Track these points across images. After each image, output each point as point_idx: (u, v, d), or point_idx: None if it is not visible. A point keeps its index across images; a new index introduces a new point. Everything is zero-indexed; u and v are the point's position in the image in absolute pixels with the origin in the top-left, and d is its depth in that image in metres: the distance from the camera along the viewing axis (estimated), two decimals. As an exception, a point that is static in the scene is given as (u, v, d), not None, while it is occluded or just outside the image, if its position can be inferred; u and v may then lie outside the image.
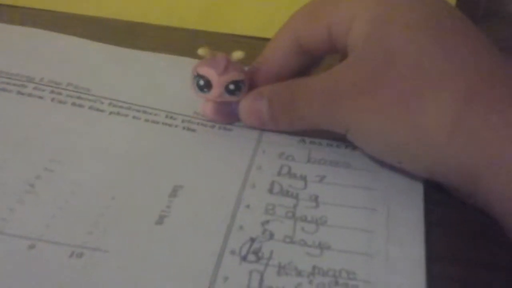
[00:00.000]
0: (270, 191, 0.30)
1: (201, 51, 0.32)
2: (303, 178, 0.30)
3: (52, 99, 0.35)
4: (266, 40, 0.34)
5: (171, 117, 0.35)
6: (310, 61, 0.34)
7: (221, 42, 0.41)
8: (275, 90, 0.32)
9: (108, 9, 0.44)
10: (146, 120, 0.34)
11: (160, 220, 0.28)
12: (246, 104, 0.33)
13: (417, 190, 0.30)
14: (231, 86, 0.32)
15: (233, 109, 0.33)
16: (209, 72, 0.32)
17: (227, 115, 0.34)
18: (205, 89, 0.32)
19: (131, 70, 0.38)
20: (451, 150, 0.27)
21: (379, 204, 0.29)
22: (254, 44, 0.37)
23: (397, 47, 0.28)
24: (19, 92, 0.35)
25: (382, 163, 0.31)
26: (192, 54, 0.33)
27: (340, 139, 0.32)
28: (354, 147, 0.32)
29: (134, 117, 0.34)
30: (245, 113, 0.33)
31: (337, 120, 0.30)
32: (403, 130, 0.28)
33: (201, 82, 0.32)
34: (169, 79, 0.38)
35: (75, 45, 0.40)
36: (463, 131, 0.27)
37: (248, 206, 0.29)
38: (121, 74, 0.38)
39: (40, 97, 0.35)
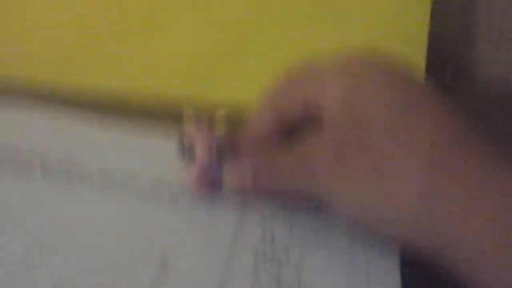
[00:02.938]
0: (255, 258, 0.31)
1: (186, 111, 0.33)
2: (285, 247, 0.31)
3: (43, 175, 0.36)
4: (249, 104, 0.35)
5: (157, 188, 0.35)
6: (291, 127, 0.35)
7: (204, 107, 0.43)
8: (257, 162, 0.33)
9: (95, 78, 0.45)
10: (135, 191, 0.35)
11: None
12: (232, 170, 0.34)
13: (394, 260, 0.31)
14: (214, 151, 0.33)
15: (216, 176, 0.33)
16: (192, 137, 0.33)
17: (210, 183, 0.34)
18: (186, 155, 0.33)
19: (118, 144, 0.39)
20: (418, 217, 0.28)
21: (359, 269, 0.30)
22: (237, 109, 0.38)
23: (368, 118, 0.30)
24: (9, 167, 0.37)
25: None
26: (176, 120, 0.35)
27: (319, 207, 0.33)
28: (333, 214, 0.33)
29: (123, 188, 0.35)
30: (230, 178, 0.34)
31: (314, 187, 0.31)
32: (376, 196, 0.29)
33: (183, 145, 0.33)
34: (155, 151, 0.38)
35: (61, 118, 0.41)
36: (429, 201, 0.28)
37: (234, 275, 0.30)
38: (108, 148, 0.39)
39: (31, 171, 0.36)
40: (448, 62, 0.44)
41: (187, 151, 0.33)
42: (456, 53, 0.45)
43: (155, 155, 0.38)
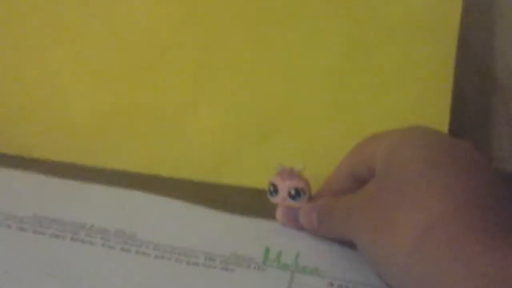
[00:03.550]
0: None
1: (275, 167, 0.40)
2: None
3: (103, 245, 0.39)
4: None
5: (210, 259, 0.38)
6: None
7: (229, 193, 0.46)
8: (323, 205, 0.38)
9: (131, 163, 0.49)
10: (188, 263, 0.38)
11: None
12: (303, 212, 0.39)
13: None
14: (292, 191, 0.39)
15: (296, 214, 0.40)
16: (277, 180, 0.39)
17: (293, 220, 0.40)
18: (274, 193, 0.40)
19: (172, 217, 0.42)
20: (410, 270, 0.30)
21: None
22: (258, 195, 0.42)
23: (398, 173, 0.33)
24: (72, 239, 0.39)
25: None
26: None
27: (366, 283, 0.36)
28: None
29: (176, 260, 0.38)
30: (302, 219, 0.40)
31: (348, 232, 0.35)
32: (377, 246, 0.32)
33: (271, 188, 0.40)
34: (206, 224, 0.41)
35: (118, 195, 0.44)
36: (419, 256, 0.30)
37: None
38: (163, 220, 0.42)
39: (92, 243, 0.39)
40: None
41: (273, 192, 0.40)
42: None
43: (208, 232, 0.40)
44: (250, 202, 0.43)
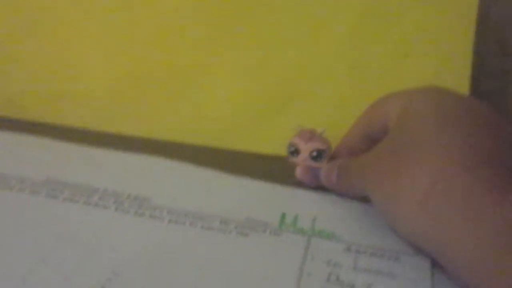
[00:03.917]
0: (321, 298, 0.32)
1: (295, 128, 0.40)
2: (351, 286, 0.33)
3: (116, 209, 0.38)
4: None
5: (225, 223, 0.37)
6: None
7: (241, 160, 0.45)
8: (342, 163, 0.39)
9: (145, 129, 0.48)
10: (202, 227, 0.37)
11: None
12: (325, 171, 0.40)
13: None
14: (314, 153, 0.40)
15: (317, 174, 0.40)
16: (297, 141, 0.40)
17: (313, 179, 0.41)
18: (295, 154, 0.40)
19: (187, 181, 0.41)
20: (419, 221, 0.31)
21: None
22: (275, 162, 0.42)
23: (412, 128, 0.33)
24: (85, 202, 0.39)
25: (425, 274, 0.33)
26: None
27: (383, 248, 0.35)
28: (397, 258, 0.35)
29: (191, 224, 0.37)
30: (323, 178, 0.40)
31: (362, 189, 0.36)
32: (389, 194, 0.33)
33: (291, 149, 0.40)
34: (221, 189, 0.41)
35: (132, 160, 0.44)
36: (429, 209, 0.30)
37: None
38: (177, 185, 0.41)
39: (105, 207, 0.38)
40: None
41: (294, 153, 0.40)
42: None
43: (223, 197, 0.40)
44: (266, 168, 0.42)
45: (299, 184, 0.41)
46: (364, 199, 0.38)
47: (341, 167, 0.39)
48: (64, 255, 0.34)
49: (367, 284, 0.33)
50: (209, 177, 0.42)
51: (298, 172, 0.41)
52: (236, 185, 0.41)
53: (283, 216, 0.38)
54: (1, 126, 0.47)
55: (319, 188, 0.41)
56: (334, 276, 0.33)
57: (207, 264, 0.34)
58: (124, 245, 0.35)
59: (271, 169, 0.42)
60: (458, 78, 0.45)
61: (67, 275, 0.33)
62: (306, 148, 0.40)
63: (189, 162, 0.43)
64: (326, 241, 0.36)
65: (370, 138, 0.39)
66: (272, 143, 0.41)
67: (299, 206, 0.39)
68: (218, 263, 0.35)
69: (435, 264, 0.33)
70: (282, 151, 0.41)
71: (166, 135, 0.47)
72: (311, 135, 0.40)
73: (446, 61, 0.46)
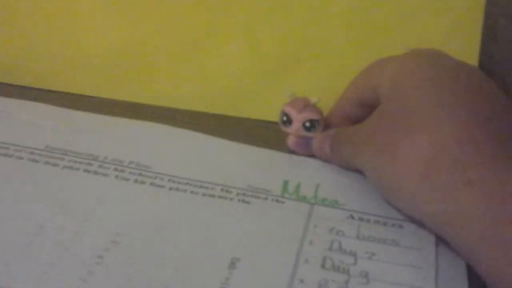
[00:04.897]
0: (323, 266, 0.32)
1: (287, 94, 0.39)
2: (353, 254, 0.32)
3: (116, 176, 0.38)
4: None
5: (226, 191, 0.37)
6: (371, 111, 0.36)
7: (247, 126, 0.44)
8: (335, 134, 0.38)
9: (147, 96, 0.47)
10: (204, 195, 0.37)
11: (220, 293, 0.30)
12: (317, 142, 0.39)
13: (462, 269, 0.31)
14: (307, 124, 0.39)
15: (310, 143, 0.39)
16: (290, 110, 0.39)
17: (305, 148, 0.40)
18: (287, 124, 0.39)
19: (188, 149, 0.41)
20: (420, 195, 0.30)
21: (428, 283, 0.31)
22: (277, 128, 0.41)
23: (406, 95, 0.32)
24: (85, 170, 0.38)
25: (428, 242, 0.33)
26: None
27: (387, 216, 0.35)
28: (400, 225, 0.34)
29: (192, 191, 0.37)
30: (316, 148, 0.39)
31: (356, 162, 0.35)
32: (387, 166, 0.32)
33: (284, 118, 0.39)
34: (223, 156, 0.40)
35: (132, 127, 0.43)
36: (430, 179, 0.29)
37: (302, 281, 0.31)
38: (178, 152, 0.40)
39: (105, 175, 0.38)
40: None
41: (286, 123, 0.39)
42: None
43: (224, 164, 0.39)
44: (269, 135, 0.42)
45: (293, 152, 0.40)
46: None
47: (334, 138, 0.38)
48: (63, 224, 0.34)
49: (370, 252, 0.32)
50: (211, 144, 0.41)
51: (290, 141, 0.40)
52: (237, 152, 0.40)
53: (286, 183, 0.37)
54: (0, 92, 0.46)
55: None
56: (337, 244, 0.33)
57: (208, 233, 0.34)
58: (124, 214, 0.35)
59: (273, 135, 0.41)
60: (467, 44, 0.44)
61: (65, 244, 0.32)
62: (299, 118, 0.39)
63: (190, 129, 0.42)
64: (329, 209, 0.35)
65: (362, 103, 0.38)
66: (275, 109, 0.40)
67: (302, 173, 0.38)
68: (219, 231, 0.34)
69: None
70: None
71: (167, 102, 0.47)
72: (305, 104, 0.39)
73: (455, 25, 0.45)
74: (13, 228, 0.33)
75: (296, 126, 0.39)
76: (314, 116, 0.39)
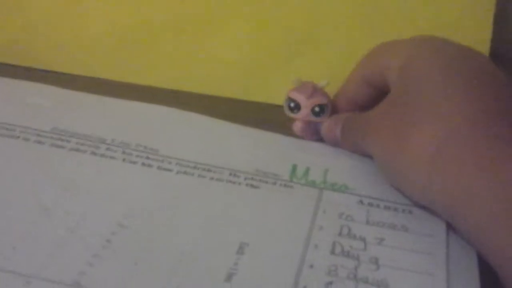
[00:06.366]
0: (332, 251, 0.31)
1: (293, 80, 0.39)
2: (363, 240, 0.32)
3: (124, 160, 0.37)
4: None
5: (234, 175, 0.36)
6: (378, 93, 0.37)
7: (255, 110, 0.44)
8: (346, 119, 0.38)
9: (154, 78, 0.47)
10: (211, 178, 0.36)
11: (228, 278, 0.30)
12: (327, 127, 0.39)
13: (473, 255, 0.31)
14: (316, 109, 0.38)
15: (318, 128, 0.39)
16: (298, 96, 0.38)
17: (313, 133, 0.39)
18: (295, 110, 0.38)
19: (196, 132, 0.40)
20: (430, 181, 0.30)
21: (439, 269, 0.30)
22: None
23: (416, 81, 0.32)
24: (92, 153, 0.38)
25: (439, 227, 0.32)
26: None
27: (397, 201, 0.34)
28: (410, 211, 0.34)
29: (199, 175, 0.36)
30: (325, 133, 0.39)
31: (366, 148, 0.35)
32: (396, 153, 0.31)
33: (292, 104, 0.38)
34: (231, 140, 0.40)
35: (140, 109, 0.42)
36: (439, 166, 0.29)
37: (311, 267, 0.30)
38: (186, 136, 0.40)
39: (112, 157, 0.37)
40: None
41: (295, 109, 0.38)
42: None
43: (233, 148, 0.39)
44: (277, 119, 0.41)
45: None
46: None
47: (345, 123, 0.38)
48: (69, 206, 0.33)
49: (379, 238, 0.32)
50: (219, 127, 0.41)
51: (298, 127, 0.39)
52: (245, 136, 0.40)
53: (294, 168, 0.37)
54: (6, 72, 0.46)
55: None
56: (346, 230, 0.33)
57: (216, 217, 0.33)
58: (131, 197, 0.35)
59: (281, 119, 0.40)
60: (479, 28, 0.44)
61: (71, 227, 0.32)
62: (308, 104, 0.38)
63: (197, 112, 0.42)
64: (338, 194, 0.35)
65: (368, 84, 0.37)
66: (283, 93, 0.40)
67: (311, 158, 0.38)
68: (227, 216, 0.34)
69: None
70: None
71: (175, 85, 0.46)
72: (312, 89, 0.38)
73: (467, 9, 0.44)
74: (19, 211, 0.33)
75: (305, 112, 0.38)
76: (323, 100, 0.38)
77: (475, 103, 0.30)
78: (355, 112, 0.38)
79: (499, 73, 0.32)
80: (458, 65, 0.32)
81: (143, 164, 0.37)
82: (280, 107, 0.40)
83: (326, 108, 0.38)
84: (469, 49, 0.33)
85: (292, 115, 0.39)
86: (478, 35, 0.44)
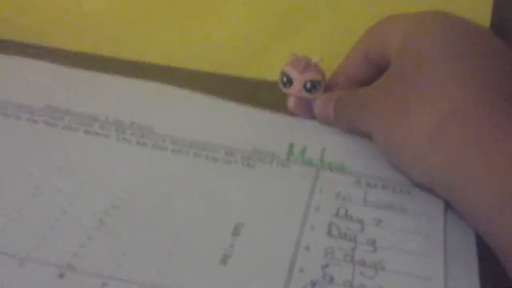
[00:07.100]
0: (329, 233, 0.31)
1: (288, 55, 0.38)
2: (360, 221, 0.31)
3: (117, 138, 0.37)
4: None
5: (230, 154, 0.36)
6: (377, 71, 0.36)
7: (253, 87, 0.43)
8: (339, 97, 0.37)
9: (149, 54, 0.46)
10: (207, 158, 0.36)
11: (224, 260, 0.29)
12: (320, 104, 0.38)
13: (471, 236, 0.31)
14: (308, 85, 0.37)
15: (310, 105, 0.38)
16: (291, 71, 0.37)
17: (306, 110, 0.38)
18: (287, 85, 0.38)
19: (191, 110, 0.40)
20: (430, 158, 0.29)
21: (436, 251, 0.30)
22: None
23: (417, 57, 0.31)
24: (86, 131, 0.37)
25: (437, 208, 0.32)
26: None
27: (395, 180, 0.34)
28: (409, 191, 0.33)
29: (195, 154, 0.36)
30: (318, 111, 0.38)
31: (363, 125, 0.34)
32: (396, 132, 0.31)
33: (284, 79, 0.38)
34: (227, 118, 0.39)
35: (134, 86, 0.41)
36: (440, 142, 0.29)
37: (307, 248, 0.30)
38: (181, 113, 0.39)
39: (106, 136, 0.37)
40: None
41: (287, 84, 0.38)
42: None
43: (229, 126, 0.38)
44: (275, 97, 0.40)
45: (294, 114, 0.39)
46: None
47: (338, 102, 0.37)
48: (61, 186, 0.33)
49: (377, 219, 0.32)
50: (214, 105, 0.40)
51: (291, 103, 0.39)
52: (242, 114, 0.39)
53: (291, 147, 0.37)
54: (-1, 48, 0.45)
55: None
56: (343, 211, 0.32)
57: (211, 196, 0.33)
58: (125, 177, 0.34)
59: (277, 96, 0.39)
60: (479, 2, 0.43)
61: (63, 207, 0.32)
62: (300, 79, 0.37)
63: (194, 89, 0.41)
64: (335, 173, 0.35)
65: (369, 62, 0.37)
66: (279, 69, 0.39)
67: (308, 137, 0.37)
68: (223, 195, 0.33)
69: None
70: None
71: (169, 61, 0.45)
72: (306, 64, 0.37)
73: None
74: (10, 191, 0.33)
75: (297, 87, 0.38)
76: (315, 76, 0.37)
77: (478, 80, 0.29)
78: (350, 89, 0.37)
79: (502, 47, 0.32)
80: (461, 42, 0.31)
81: (137, 142, 0.37)
82: (276, 83, 0.39)
83: (319, 84, 0.38)
84: (472, 23, 0.33)
85: (285, 90, 0.38)
86: (478, 10, 0.43)
